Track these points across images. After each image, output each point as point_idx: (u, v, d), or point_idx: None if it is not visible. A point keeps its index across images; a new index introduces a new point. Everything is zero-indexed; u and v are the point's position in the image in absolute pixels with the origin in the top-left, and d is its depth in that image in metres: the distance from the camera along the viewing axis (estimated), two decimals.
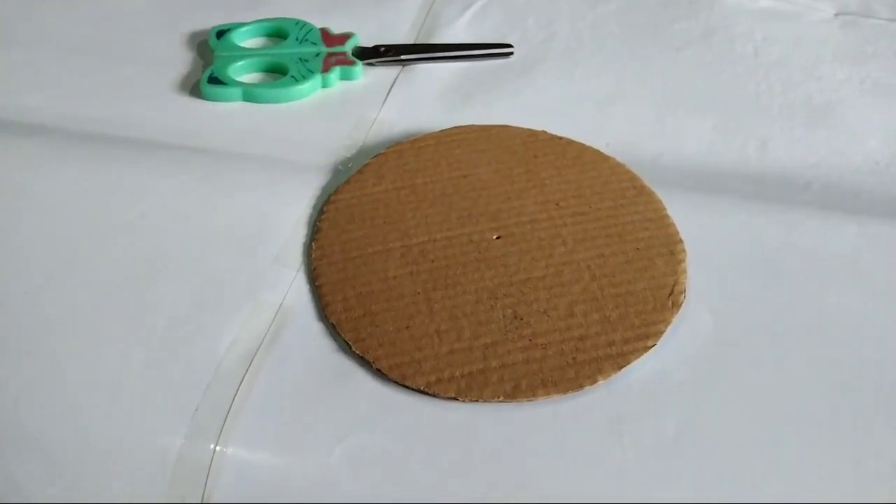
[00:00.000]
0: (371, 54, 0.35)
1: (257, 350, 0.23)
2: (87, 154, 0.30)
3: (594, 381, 0.22)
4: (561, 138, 0.30)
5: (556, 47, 0.36)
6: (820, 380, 0.23)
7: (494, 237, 0.26)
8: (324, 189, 0.29)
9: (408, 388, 0.22)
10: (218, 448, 0.21)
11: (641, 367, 0.23)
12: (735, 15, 0.38)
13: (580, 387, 0.22)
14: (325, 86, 0.33)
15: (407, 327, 0.24)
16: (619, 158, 0.30)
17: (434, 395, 0.22)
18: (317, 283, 0.25)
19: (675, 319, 0.24)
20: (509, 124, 0.31)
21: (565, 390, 0.22)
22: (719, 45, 0.37)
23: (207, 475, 0.21)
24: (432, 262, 0.26)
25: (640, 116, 0.33)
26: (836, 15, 0.39)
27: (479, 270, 0.25)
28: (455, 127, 0.31)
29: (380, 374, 0.23)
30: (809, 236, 0.27)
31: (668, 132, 0.32)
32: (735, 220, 0.27)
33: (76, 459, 0.21)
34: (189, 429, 0.21)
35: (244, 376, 0.23)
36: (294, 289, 0.25)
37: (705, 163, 0.30)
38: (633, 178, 0.28)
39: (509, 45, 0.35)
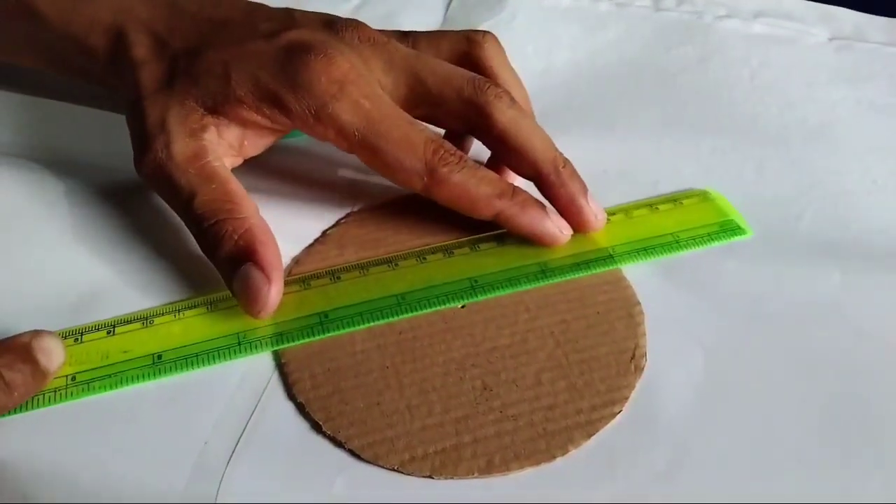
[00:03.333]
0: None
1: (243, 431, 0.23)
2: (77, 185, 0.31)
3: (565, 452, 0.23)
4: None
5: (554, 77, 0.37)
6: (806, 417, 0.24)
7: (459, 306, 0.27)
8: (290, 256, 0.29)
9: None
10: None
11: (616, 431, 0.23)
12: (730, 40, 0.40)
13: (552, 458, 0.23)
14: None
15: (377, 403, 0.24)
16: (617, 185, 0.31)
17: (409, 475, 0.22)
18: (282, 361, 0.25)
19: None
20: None
21: (538, 462, 0.22)
22: (715, 70, 0.38)
23: None
24: (399, 334, 0.26)
25: (637, 142, 0.34)
26: (831, 39, 0.41)
27: (445, 341, 0.26)
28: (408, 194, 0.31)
29: (353, 453, 0.23)
30: (793, 285, 0.28)
31: (666, 157, 0.33)
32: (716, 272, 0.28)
33: None
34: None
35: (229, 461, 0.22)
36: (260, 367, 0.25)
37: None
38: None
39: None
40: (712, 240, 0.29)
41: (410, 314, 0.26)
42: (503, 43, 0.33)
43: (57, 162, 0.32)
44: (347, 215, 0.30)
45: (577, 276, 0.28)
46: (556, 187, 0.28)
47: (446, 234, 0.29)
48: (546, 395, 0.24)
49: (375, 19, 0.39)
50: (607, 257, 0.28)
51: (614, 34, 0.41)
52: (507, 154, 0.29)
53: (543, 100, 0.36)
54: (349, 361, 0.25)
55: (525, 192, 0.28)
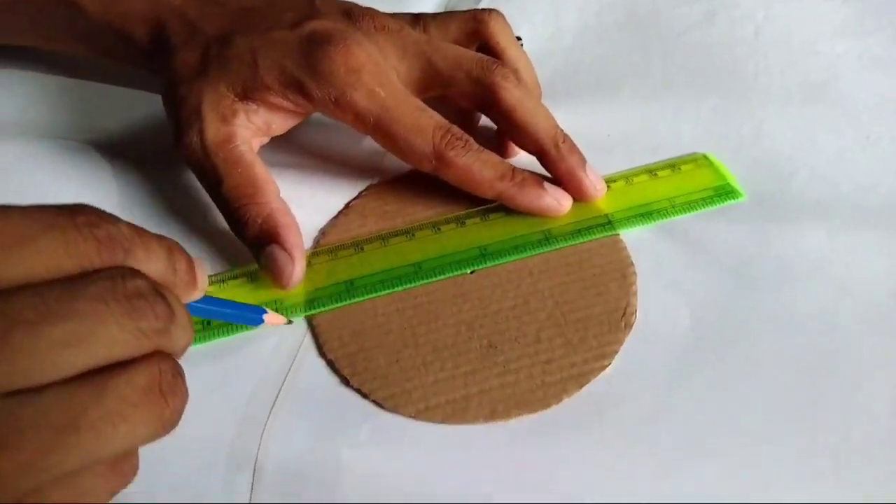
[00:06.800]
0: None
1: (281, 386, 0.27)
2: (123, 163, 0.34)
3: (559, 400, 0.26)
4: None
5: (563, 40, 0.39)
6: (789, 373, 0.26)
7: (469, 272, 0.30)
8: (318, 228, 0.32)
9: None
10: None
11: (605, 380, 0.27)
12: None
13: (547, 406, 0.26)
14: None
15: (397, 360, 0.27)
16: (619, 149, 0.33)
17: (424, 421, 0.26)
18: (314, 323, 0.29)
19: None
20: None
21: (535, 410, 0.26)
22: (720, 27, 0.39)
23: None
24: (416, 299, 0.29)
25: (640, 105, 0.36)
26: None
27: (456, 304, 0.29)
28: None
29: (377, 403, 0.26)
30: (780, 244, 0.30)
31: (668, 119, 0.35)
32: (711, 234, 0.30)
33: None
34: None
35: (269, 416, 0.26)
36: (294, 330, 0.29)
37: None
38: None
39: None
40: (707, 204, 0.31)
41: (426, 281, 0.29)
42: (513, 12, 0.34)
43: (99, 142, 0.36)
44: (368, 188, 0.33)
45: (577, 241, 0.30)
46: (556, 162, 0.31)
47: (458, 203, 0.32)
48: (544, 351, 0.27)
49: None
50: (606, 223, 0.31)
51: None
52: (511, 129, 0.31)
53: (551, 64, 0.37)
54: (372, 324, 0.28)
55: (524, 172, 0.31)
